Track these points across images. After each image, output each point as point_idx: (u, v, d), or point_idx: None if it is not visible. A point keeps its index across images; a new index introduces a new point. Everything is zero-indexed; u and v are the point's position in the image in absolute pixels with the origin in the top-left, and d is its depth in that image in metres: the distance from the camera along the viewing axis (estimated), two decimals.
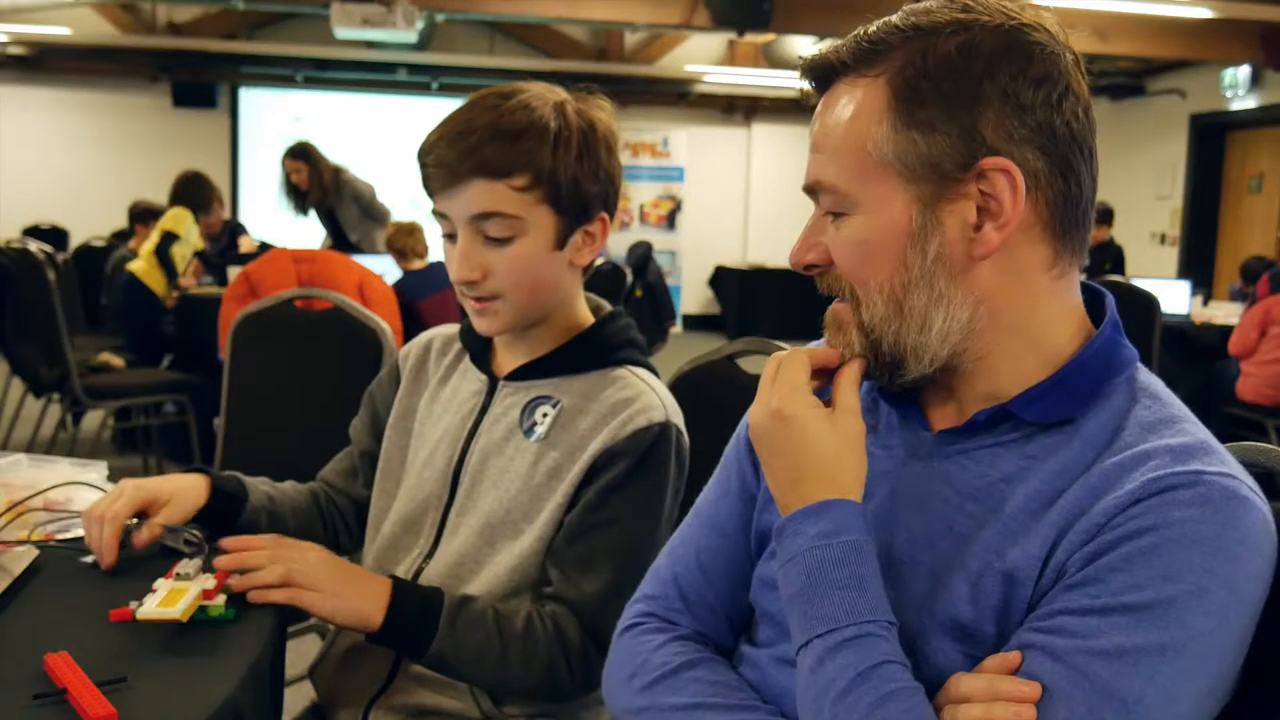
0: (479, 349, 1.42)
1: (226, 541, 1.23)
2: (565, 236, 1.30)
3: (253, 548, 1.21)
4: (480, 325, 1.35)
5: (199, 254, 5.95)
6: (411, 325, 4.50)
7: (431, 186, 1.30)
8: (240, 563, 1.19)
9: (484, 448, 1.35)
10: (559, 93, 1.32)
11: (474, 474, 1.35)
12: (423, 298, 4.53)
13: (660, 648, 1.03)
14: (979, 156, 0.85)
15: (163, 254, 5.53)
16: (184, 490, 1.35)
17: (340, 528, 1.52)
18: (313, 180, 6.01)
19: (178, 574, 1.17)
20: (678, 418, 1.32)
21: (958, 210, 0.86)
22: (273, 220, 9.09)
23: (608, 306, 1.43)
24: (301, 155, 6.00)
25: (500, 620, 1.25)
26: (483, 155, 1.25)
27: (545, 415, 1.33)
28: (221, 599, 1.15)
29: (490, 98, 1.29)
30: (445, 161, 1.26)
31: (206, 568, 1.19)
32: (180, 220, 5.57)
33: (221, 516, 1.39)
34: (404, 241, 5.03)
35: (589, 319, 1.40)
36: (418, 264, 5.02)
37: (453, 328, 1.49)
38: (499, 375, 1.39)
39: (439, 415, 1.42)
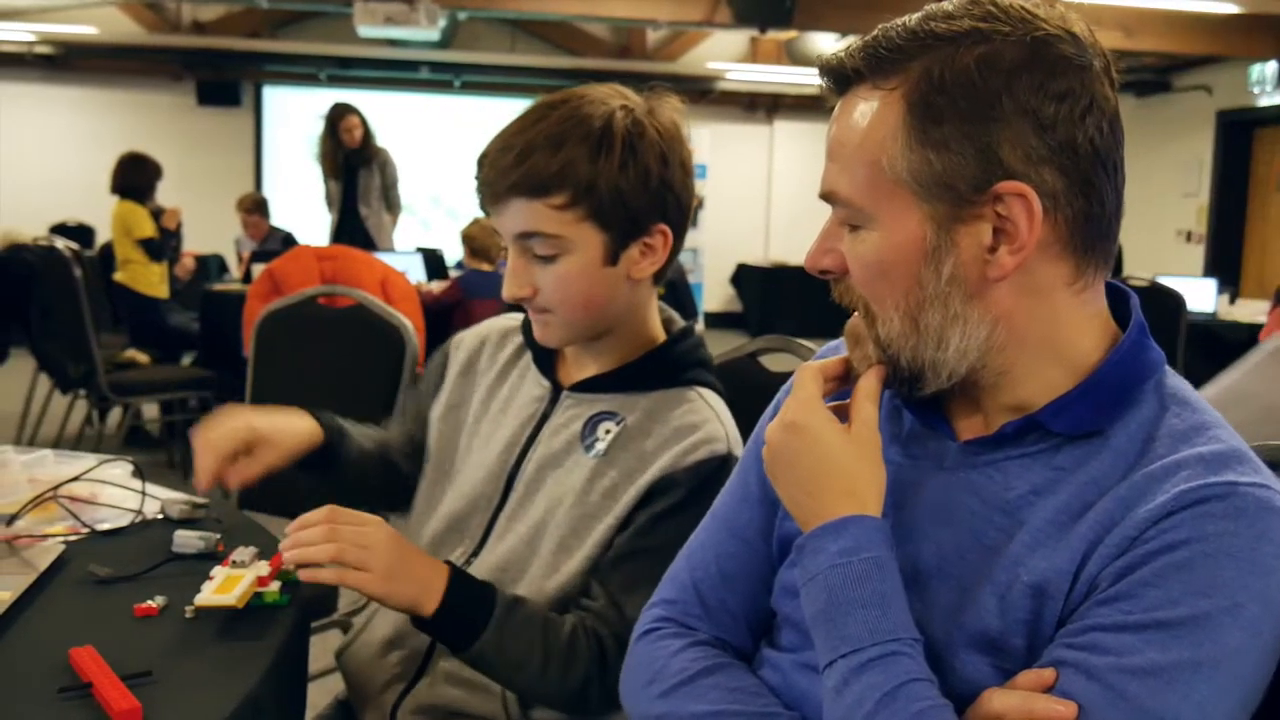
0: (544, 352, 1.38)
1: (290, 527, 1.18)
2: (616, 252, 1.25)
3: (309, 524, 1.15)
4: (539, 335, 1.33)
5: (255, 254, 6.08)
6: (454, 324, 4.53)
7: (481, 202, 1.28)
8: (297, 542, 1.14)
9: (542, 457, 1.32)
10: (619, 96, 1.27)
11: (529, 483, 1.32)
12: (480, 299, 4.56)
13: (678, 653, 1.01)
14: (995, 179, 0.82)
15: (157, 254, 5.62)
16: (285, 432, 1.35)
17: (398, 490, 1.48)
18: (364, 138, 6.19)
19: (234, 561, 1.19)
20: (739, 449, 1.26)
21: (973, 231, 0.84)
22: (298, 218, 9.14)
23: (679, 321, 1.39)
24: (357, 112, 6.17)
25: (548, 629, 1.22)
26: (520, 174, 1.21)
27: (608, 432, 1.29)
28: (276, 585, 1.16)
29: (539, 109, 1.25)
30: (488, 180, 1.25)
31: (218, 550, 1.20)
32: (143, 223, 5.65)
33: (324, 462, 1.39)
34: (485, 240, 5.08)
35: (660, 334, 1.36)
36: (486, 266, 5.07)
37: (512, 319, 1.46)
38: (564, 384, 1.35)
39: (496, 414, 1.39)
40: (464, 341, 1.48)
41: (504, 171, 1.22)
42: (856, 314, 0.93)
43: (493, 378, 1.43)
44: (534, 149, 1.21)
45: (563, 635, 1.22)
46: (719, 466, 1.23)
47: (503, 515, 1.33)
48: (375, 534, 1.16)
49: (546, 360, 1.38)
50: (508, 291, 1.28)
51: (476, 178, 1.27)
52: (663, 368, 1.32)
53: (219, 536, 1.31)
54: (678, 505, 1.23)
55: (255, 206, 7.04)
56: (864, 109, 0.87)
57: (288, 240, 6.93)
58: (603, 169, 1.21)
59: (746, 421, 1.13)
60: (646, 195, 1.24)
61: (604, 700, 1.23)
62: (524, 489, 1.32)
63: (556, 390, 1.36)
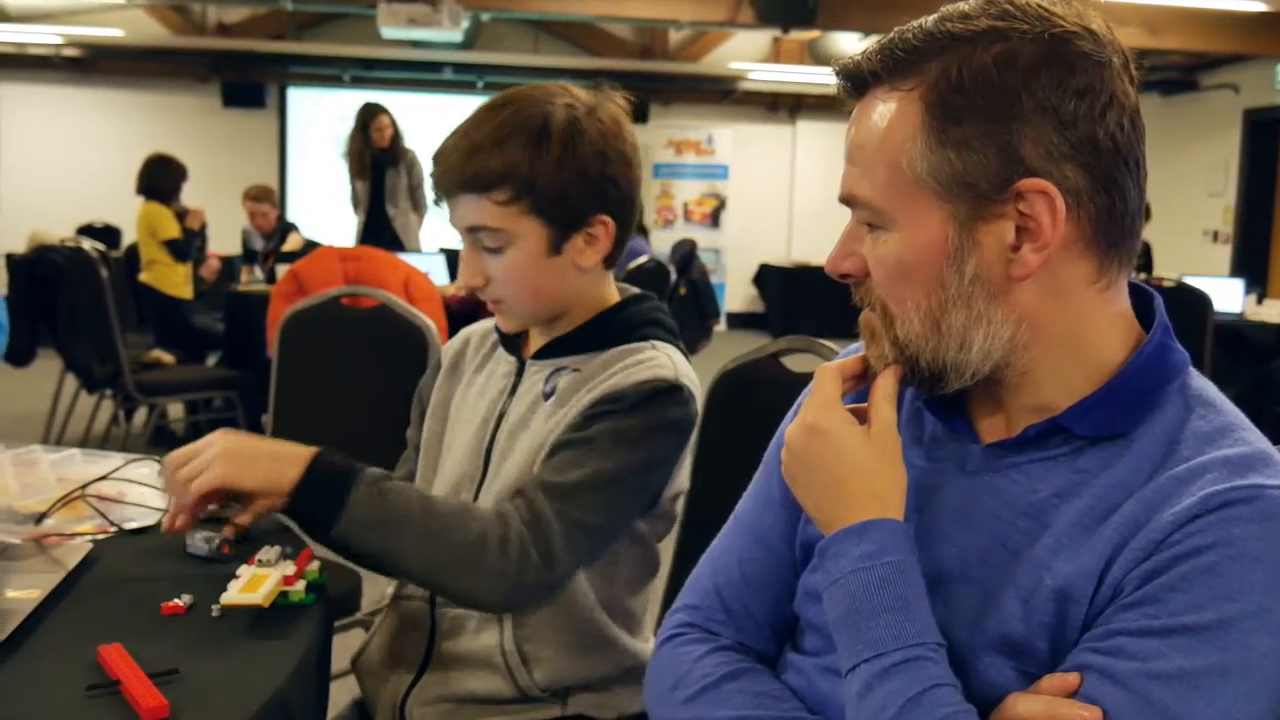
0: (511, 335, 1.45)
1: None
2: (559, 243, 1.32)
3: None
4: (500, 323, 1.41)
5: (264, 252, 6.09)
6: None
7: (435, 198, 1.36)
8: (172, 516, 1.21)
9: (512, 423, 1.38)
10: (565, 95, 1.32)
11: (503, 451, 1.37)
12: None
13: (702, 659, 1.01)
14: (1017, 177, 0.82)
15: (181, 254, 5.65)
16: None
17: None
18: (393, 138, 6.27)
19: (259, 561, 1.20)
20: (690, 383, 1.33)
21: (995, 230, 0.83)
22: (321, 219, 9.19)
23: (636, 291, 1.45)
24: (387, 112, 6.25)
25: (429, 498, 1.25)
26: (465, 172, 1.29)
27: (565, 381, 1.36)
28: (301, 585, 1.17)
29: (484, 110, 1.32)
30: (439, 176, 1.33)
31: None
32: (168, 224, 5.68)
33: None
34: None
35: (615, 301, 1.42)
36: None
37: (491, 321, 1.51)
38: (527, 356, 1.41)
39: (474, 400, 1.45)
40: (453, 343, 1.55)
41: (453, 169, 1.30)
42: (869, 309, 0.92)
43: (473, 370, 1.49)
44: (479, 148, 1.29)
45: (450, 501, 1.27)
46: (665, 389, 1.29)
47: (484, 490, 1.38)
48: (207, 443, 1.21)
49: (512, 341, 1.44)
50: (461, 281, 1.36)
51: (432, 174, 1.34)
52: (615, 327, 1.38)
53: (220, 539, 1.28)
54: (619, 411, 1.28)
55: (262, 195, 6.74)
56: (882, 111, 0.86)
57: (310, 244, 6.91)
58: (542, 166, 1.28)
59: (767, 423, 1.13)
60: (585, 189, 1.31)
61: (509, 564, 1.21)
62: (499, 458, 1.37)
63: (522, 363, 1.42)
